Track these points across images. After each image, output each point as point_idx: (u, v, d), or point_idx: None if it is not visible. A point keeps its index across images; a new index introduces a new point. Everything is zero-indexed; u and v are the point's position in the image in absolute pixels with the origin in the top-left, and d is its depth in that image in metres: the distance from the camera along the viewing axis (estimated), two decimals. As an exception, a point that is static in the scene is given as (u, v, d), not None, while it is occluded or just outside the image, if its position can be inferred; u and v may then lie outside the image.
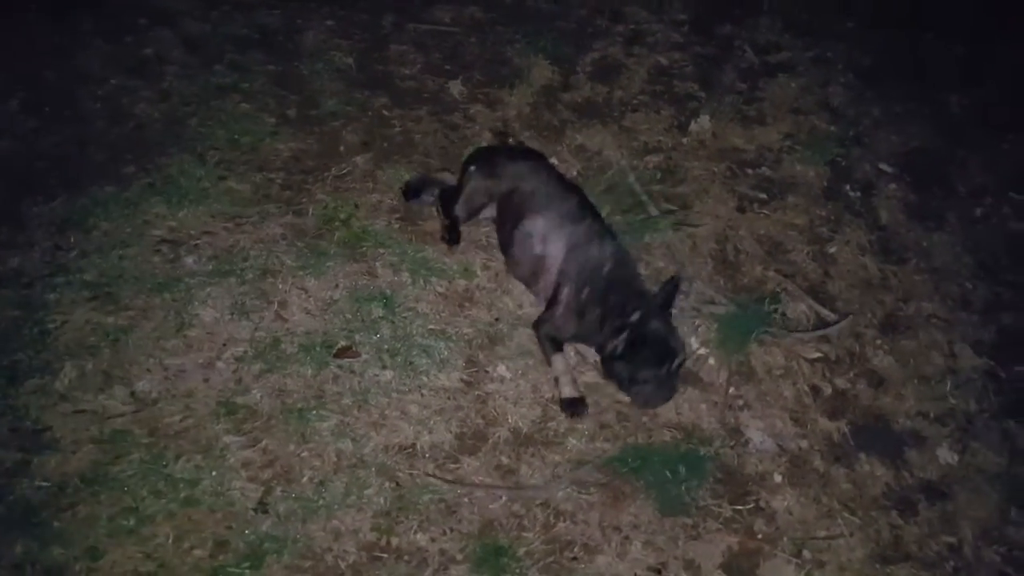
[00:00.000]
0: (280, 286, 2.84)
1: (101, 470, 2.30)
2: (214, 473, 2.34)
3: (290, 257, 2.92)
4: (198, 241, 2.93)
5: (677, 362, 2.59)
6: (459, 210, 3.00)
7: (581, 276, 2.68)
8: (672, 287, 2.67)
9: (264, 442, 2.44)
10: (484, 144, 3.48)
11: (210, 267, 2.85)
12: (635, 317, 2.55)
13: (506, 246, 2.92)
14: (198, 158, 3.24)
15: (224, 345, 2.66)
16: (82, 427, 2.39)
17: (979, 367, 3.07)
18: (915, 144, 3.93)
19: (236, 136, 3.37)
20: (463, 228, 3.06)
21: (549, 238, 2.75)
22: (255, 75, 3.66)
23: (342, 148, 3.40)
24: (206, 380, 2.56)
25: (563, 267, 2.72)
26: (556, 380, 2.70)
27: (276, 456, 2.42)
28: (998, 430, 2.90)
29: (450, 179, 3.25)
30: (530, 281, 2.87)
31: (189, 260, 2.87)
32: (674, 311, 2.74)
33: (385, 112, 3.60)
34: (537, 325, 2.79)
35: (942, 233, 3.53)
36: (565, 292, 2.69)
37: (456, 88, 3.76)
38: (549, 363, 2.73)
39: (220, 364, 2.61)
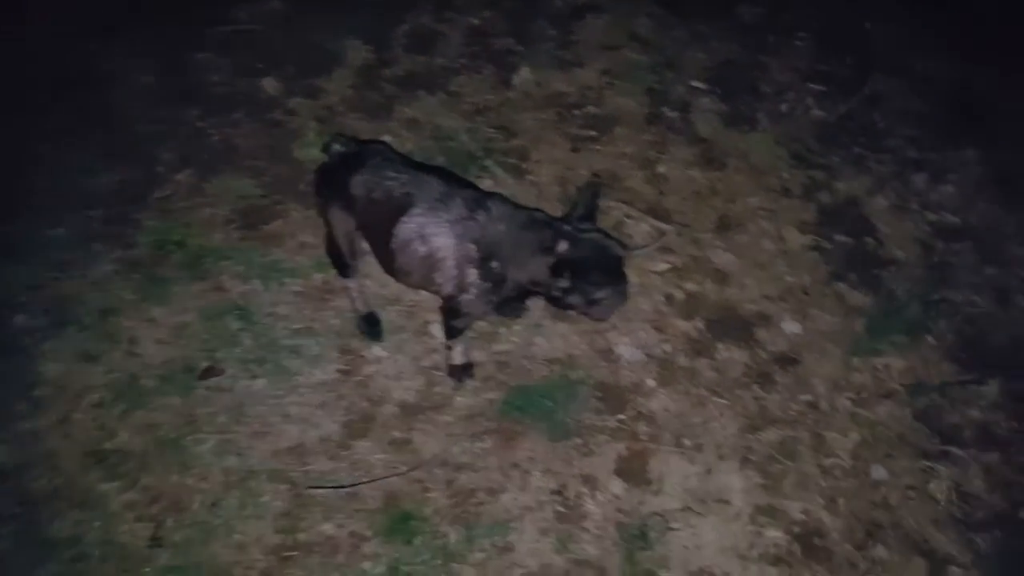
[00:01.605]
0: (124, 323, 2.77)
1: (-29, 553, 2.21)
2: (97, 524, 2.31)
3: (128, 292, 2.85)
4: (24, 298, 2.80)
5: (624, 265, 2.47)
6: (343, 250, 2.71)
7: (483, 250, 2.45)
8: (591, 194, 2.49)
9: (144, 480, 2.42)
10: (311, 135, 3.46)
11: (44, 321, 2.74)
12: (563, 247, 2.37)
13: (388, 262, 2.60)
14: (5, 211, 3.05)
15: (79, 396, 2.59)
16: (-60, 517, 2.28)
17: (806, 244, 3.41)
18: (720, 58, 4.20)
19: (40, 181, 3.18)
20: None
21: (429, 233, 2.45)
22: (47, 114, 3.45)
23: (160, 169, 3.29)
24: (67, 435, 2.50)
25: (457, 254, 2.45)
26: (449, 349, 2.75)
27: (160, 490, 2.41)
28: (831, 294, 3.25)
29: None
30: (426, 283, 2.59)
31: (20, 319, 2.75)
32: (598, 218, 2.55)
33: (199, 123, 3.49)
34: (447, 317, 2.65)
35: (756, 133, 3.83)
36: (472, 275, 2.46)
37: (270, 85, 3.68)
38: (450, 343, 2.73)
39: (78, 415, 2.54)
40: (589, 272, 2.39)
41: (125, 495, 2.37)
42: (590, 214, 2.47)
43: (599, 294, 2.43)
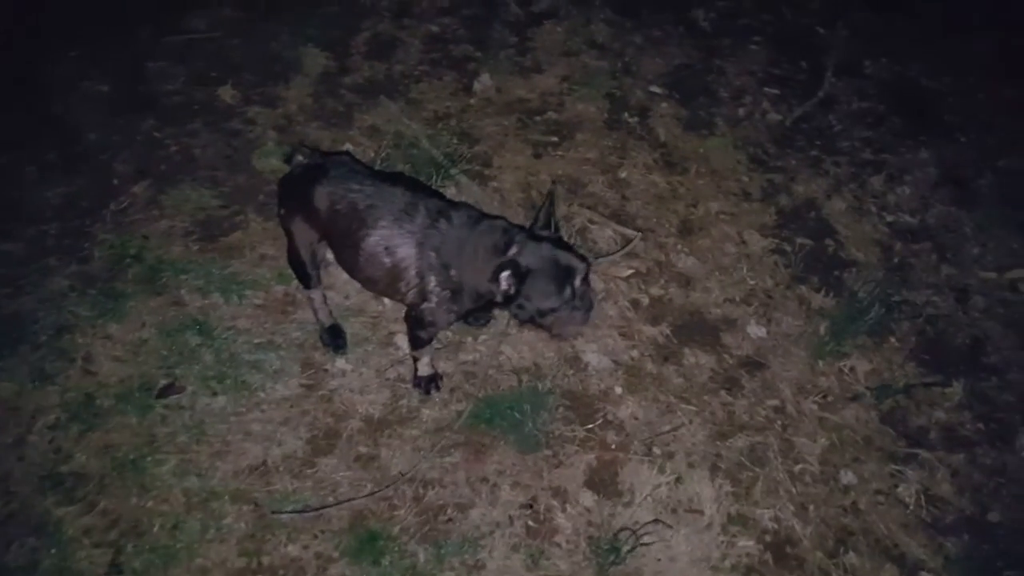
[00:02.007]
0: (80, 340, 2.70)
1: (-82, 586, 2.13)
2: (53, 551, 2.23)
3: (84, 308, 2.78)
4: (-25, 316, 2.72)
5: (580, 278, 2.36)
6: (305, 260, 2.68)
7: (443, 258, 2.44)
8: (547, 202, 2.45)
9: (102, 503, 2.35)
10: (270, 145, 3.43)
11: (-4, 340, 2.67)
12: (513, 251, 2.33)
13: (355, 272, 2.62)
14: (-48, 228, 2.96)
15: (33, 417, 2.51)
16: None
17: (767, 247, 3.45)
18: (677, 63, 4.27)
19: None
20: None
21: (394, 245, 2.46)
22: (-1, 124, 3.37)
23: (116, 181, 3.24)
24: (21, 458, 2.42)
25: (419, 262, 2.45)
26: (416, 360, 2.72)
27: (119, 514, 2.34)
28: (794, 297, 3.29)
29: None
30: (391, 292, 2.60)
31: (-30, 338, 2.66)
32: (560, 226, 2.50)
33: (156, 133, 3.44)
34: (411, 326, 2.63)
35: (714, 137, 3.89)
36: (432, 282, 2.45)
37: (228, 94, 3.64)
38: (416, 354, 2.71)
39: (33, 437, 2.47)
40: (536, 279, 2.31)
41: (82, 520, 2.30)
42: (548, 222, 2.45)
43: (547, 303, 2.34)
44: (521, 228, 2.46)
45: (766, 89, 4.21)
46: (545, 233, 2.41)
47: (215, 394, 2.63)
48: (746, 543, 2.57)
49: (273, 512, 2.39)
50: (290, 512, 2.40)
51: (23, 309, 2.75)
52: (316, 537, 2.37)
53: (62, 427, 2.49)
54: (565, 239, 2.49)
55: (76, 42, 3.76)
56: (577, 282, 2.36)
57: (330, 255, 2.67)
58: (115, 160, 3.31)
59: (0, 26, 3.75)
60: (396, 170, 3.25)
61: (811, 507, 2.68)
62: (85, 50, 3.73)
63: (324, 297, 2.81)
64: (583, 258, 2.40)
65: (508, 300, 2.36)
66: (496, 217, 2.53)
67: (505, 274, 2.28)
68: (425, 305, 2.49)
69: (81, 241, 2.99)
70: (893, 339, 3.21)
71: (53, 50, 3.71)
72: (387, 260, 2.46)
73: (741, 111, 4.08)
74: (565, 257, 2.35)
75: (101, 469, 2.41)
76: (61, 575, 2.18)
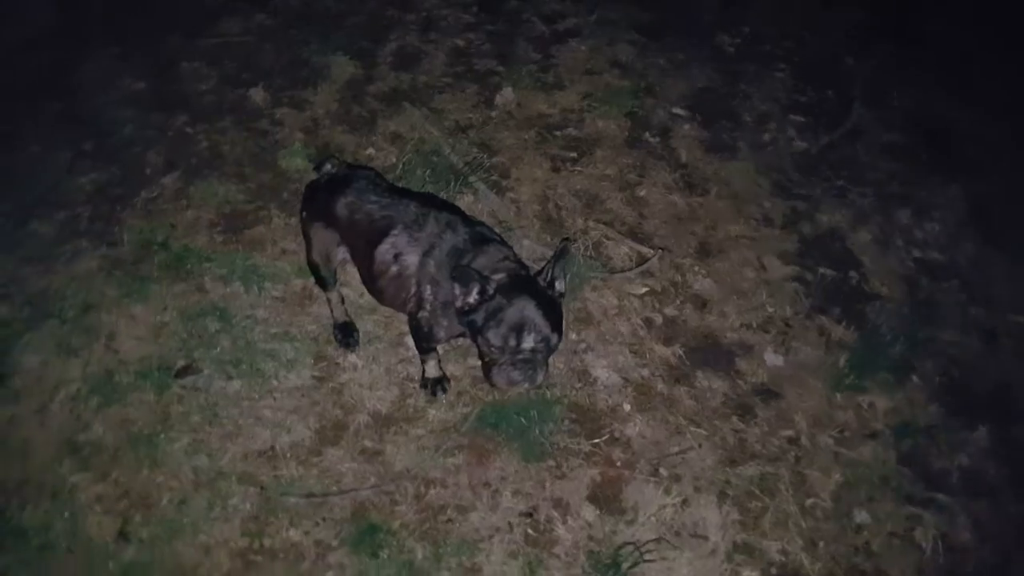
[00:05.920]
0: (105, 318, 2.97)
1: (-62, 538, 2.37)
2: (66, 514, 2.48)
3: (110, 288, 3.06)
4: (7, 289, 3.02)
5: (534, 339, 2.42)
6: (319, 263, 2.95)
7: (441, 270, 2.59)
8: (553, 258, 2.52)
9: (115, 474, 2.59)
10: (297, 145, 3.74)
11: (25, 313, 2.96)
12: (498, 276, 2.46)
13: (369, 282, 2.83)
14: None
15: (56, 387, 2.78)
16: (-94, 501, 2.44)
17: (788, 274, 3.59)
18: (700, 86, 4.53)
19: (29, 179, 3.45)
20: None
21: (402, 253, 2.65)
22: (39, 116, 3.73)
23: (148, 171, 3.57)
24: (42, 425, 2.68)
25: (420, 272, 2.63)
26: (424, 361, 2.93)
27: (130, 486, 2.58)
28: (813, 327, 3.40)
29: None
30: (398, 303, 2.78)
31: (2, 309, 2.96)
32: (559, 286, 2.57)
33: (187, 129, 3.78)
34: (413, 333, 2.84)
35: (736, 161, 4.11)
36: (427, 292, 2.63)
37: (258, 95, 3.98)
38: (423, 357, 2.91)
39: (54, 406, 2.73)
40: (493, 310, 2.40)
41: (95, 487, 2.55)
42: (549, 278, 2.53)
43: (488, 336, 2.42)
44: (525, 267, 2.59)
45: (791, 116, 4.43)
46: (542, 285, 2.50)
47: (230, 378, 2.88)
48: (751, 573, 2.63)
49: (282, 494, 2.61)
50: (295, 497, 2.62)
51: (52, 286, 3.05)
52: (318, 524, 2.57)
53: (82, 399, 2.75)
54: (560, 304, 2.55)
55: (116, 41, 4.15)
56: (528, 341, 2.41)
57: (347, 254, 2.92)
58: (147, 152, 3.65)
59: (44, 23, 4.15)
60: (416, 176, 3.53)
61: (821, 543, 2.71)
62: (124, 49, 4.12)
63: (341, 296, 3.07)
64: (556, 329, 2.46)
65: (463, 311, 2.48)
66: (507, 245, 2.70)
67: (476, 288, 2.42)
68: (421, 313, 2.68)
69: (111, 226, 3.31)
70: (915, 377, 3.26)
71: (93, 48, 4.10)
72: (395, 268, 2.67)
73: (765, 136, 4.30)
74: (533, 313, 2.41)
75: (116, 441, 2.67)
76: (72, 538, 2.42)
